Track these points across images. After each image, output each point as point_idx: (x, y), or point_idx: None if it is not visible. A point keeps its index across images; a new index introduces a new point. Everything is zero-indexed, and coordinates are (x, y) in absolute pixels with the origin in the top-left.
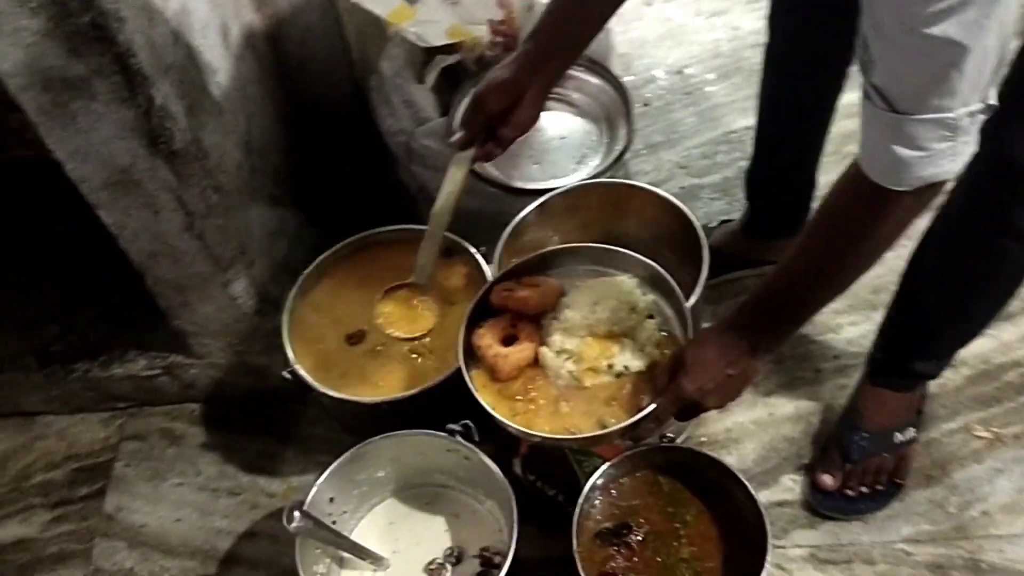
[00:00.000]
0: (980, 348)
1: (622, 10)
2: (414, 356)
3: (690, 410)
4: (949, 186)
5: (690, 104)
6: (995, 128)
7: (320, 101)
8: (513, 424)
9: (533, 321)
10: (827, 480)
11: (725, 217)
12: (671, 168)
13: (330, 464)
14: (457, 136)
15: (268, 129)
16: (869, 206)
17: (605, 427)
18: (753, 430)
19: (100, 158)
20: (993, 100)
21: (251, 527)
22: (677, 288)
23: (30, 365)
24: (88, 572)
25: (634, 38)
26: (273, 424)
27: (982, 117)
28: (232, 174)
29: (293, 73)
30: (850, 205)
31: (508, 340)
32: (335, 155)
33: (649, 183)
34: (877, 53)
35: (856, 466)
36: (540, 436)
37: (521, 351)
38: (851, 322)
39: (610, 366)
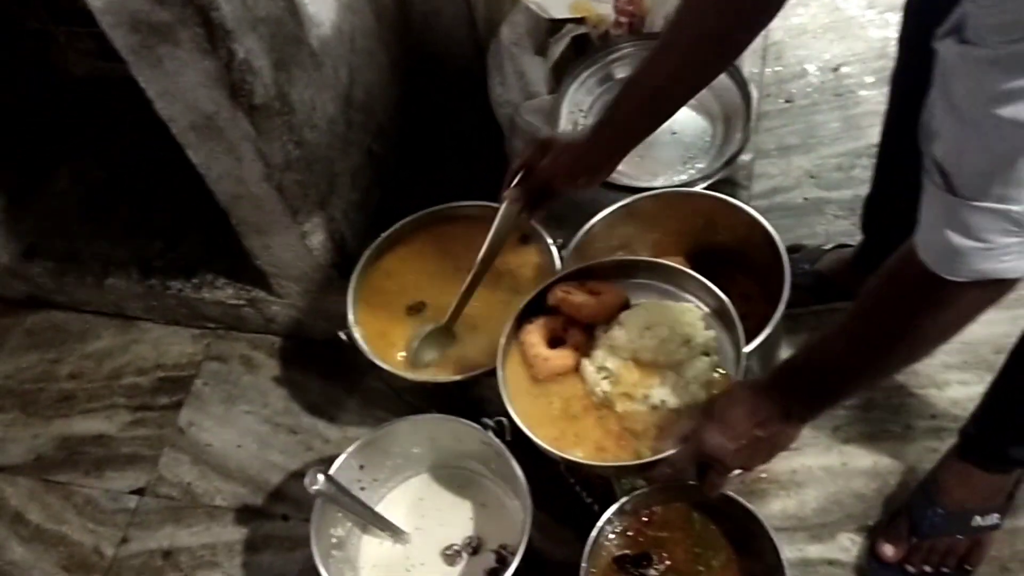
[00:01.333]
0: None
1: None
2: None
3: (712, 465)
4: None
5: (838, 107)
6: None
7: (442, 59)
8: (530, 432)
9: (585, 329)
10: (888, 551)
11: (845, 240)
12: (800, 175)
13: (387, 420)
14: (509, 193)
15: (376, 83)
16: (919, 293)
17: (618, 458)
18: (821, 477)
19: (186, 102)
20: None
21: (302, 467)
22: (740, 327)
23: (133, 274)
24: (152, 478)
25: (793, 25)
26: (343, 371)
27: None
28: (322, 129)
29: (416, 28)
30: (900, 290)
31: (556, 342)
32: (449, 116)
33: (773, 189)
34: (941, 124)
35: (924, 542)
36: (557, 455)
37: (562, 357)
38: (961, 380)
39: (646, 396)
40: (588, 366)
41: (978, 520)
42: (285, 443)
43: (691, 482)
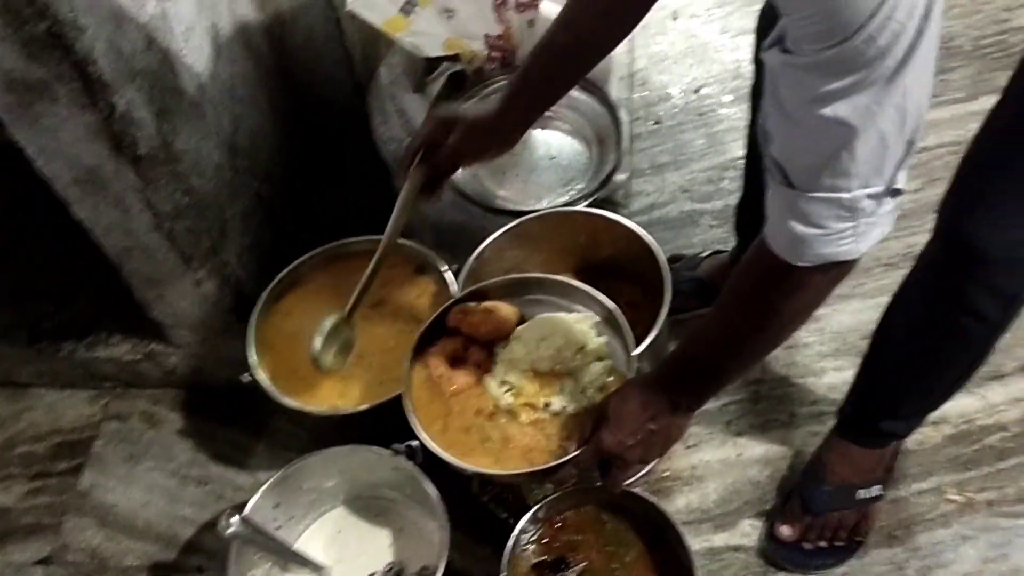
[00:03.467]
0: (965, 407)
1: (647, 22)
2: (379, 368)
3: (612, 462)
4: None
5: (702, 126)
6: (952, 207)
7: (323, 102)
8: (440, 451)
9: (484, 347)
10: (785, 531)
11: (720, 247)
12: (674, 191)
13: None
14: (415, 166)
15: (260, 129)
16: (772, 280)
17: (530, 465)
18: (719, 469)
19: (67, 158)
20: (900, 184)
21: (214, 517)
22: (628, 332)
23: (21, 339)
24: (56, 546)
25: (655, 52)
26: (248, 416)
27: (891, 200)
28: (209, 176)
29: (296, 73)
30: (755, 278)
31: (458, 362)
32: (333, 157)
33: (650, 205)
34: (774, 127)
35: (816, 519)
36: (467, 469)
37: (466, 375)
38: (836, 367)
39: (547, 404)
40: (490, 381)
41: (862, 493)
42: (194, 495)
43: (597, 484)
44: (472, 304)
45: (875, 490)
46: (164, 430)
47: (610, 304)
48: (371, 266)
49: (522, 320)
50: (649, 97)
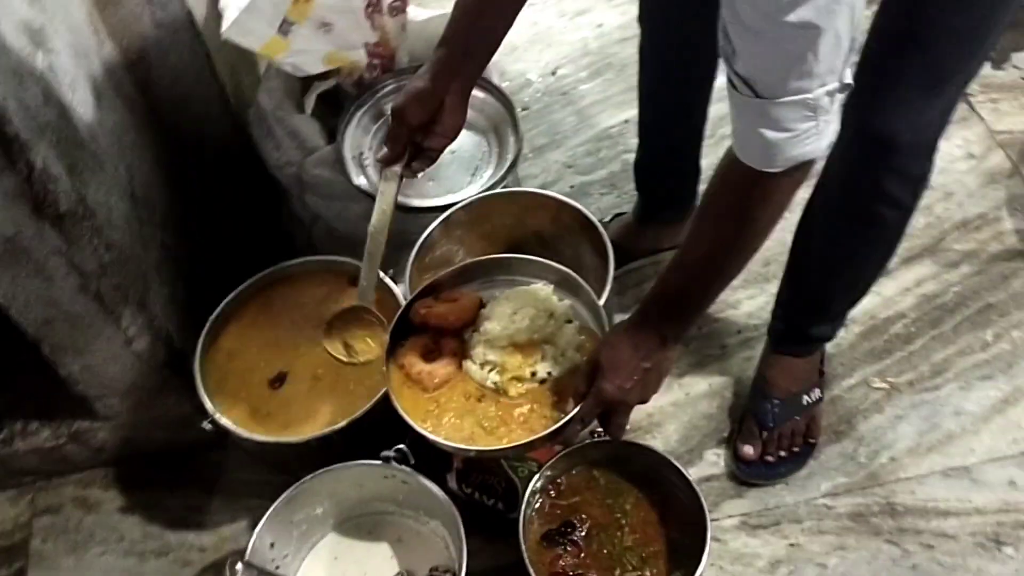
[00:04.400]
0: (867, 306)
1: None
2: (341, 387)
3: (615, 410)
4: (821, 163)
5: (567, 104)
6: (856, 104)
7: (201, 141)
8: (446, 442)
9: (455, 335)
10: (748, 450)
11: (617, 211)
12: (559, 168)
13: (262, 508)
14: (382, 153)
15: (151, 177)
16: (747, 191)
17: (533, 434)
18: (673, 412)
19: None
20: (848, 79)
21: None
22: (589, 288)
23: None
24: None
25: (504, 44)
26: (194, 476)
27: (840, 96)
28: (122, 229)
29: (168, 116)
30: (729, 192)
31: (432, 356)
32: (223, 194)
33: (540, 186)
34: (738, 43)
35: (772, 433)
36: (475, 450)
37: (445, 366)
38: (748, 296)
39: (533, 374)
40: (472, 366)
41: (806, 399)
42: (157, 568)
43: (584, 442)
44: (429, 299)
45: (815, 393)
46: (104, 511)
47: (561, 267)
48: (366, 255)
49: (481, 304)
50: (512, 86)
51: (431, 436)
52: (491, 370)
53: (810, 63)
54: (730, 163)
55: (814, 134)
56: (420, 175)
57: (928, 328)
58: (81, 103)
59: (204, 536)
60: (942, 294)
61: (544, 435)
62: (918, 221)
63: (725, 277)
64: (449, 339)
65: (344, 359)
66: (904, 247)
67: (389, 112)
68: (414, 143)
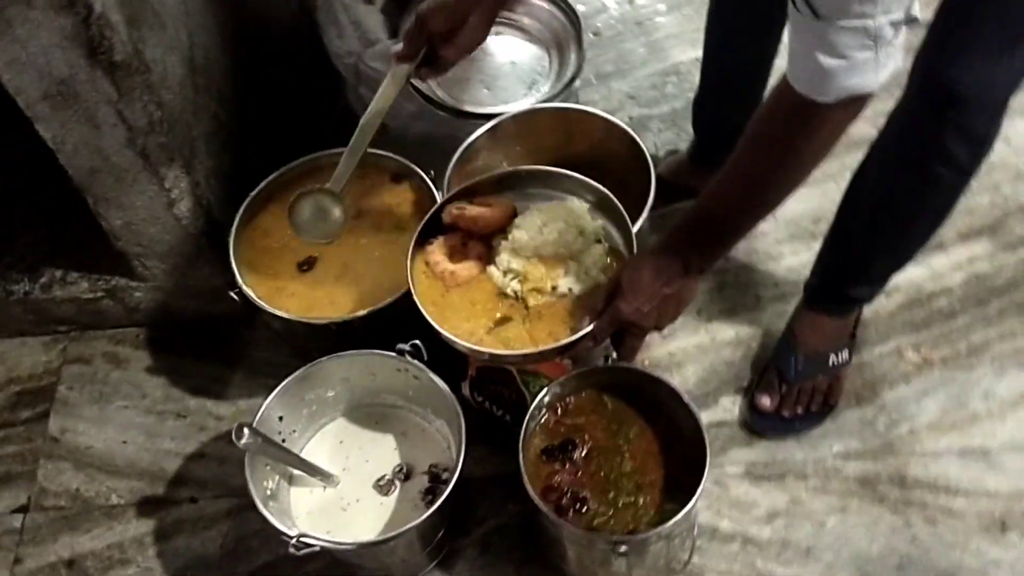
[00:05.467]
0: (912, 276)
1: None
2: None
3: (630, 331)
4: (886, 110)
5: (640, 35)
6: (925, 54)
7: (267, 20)
8: (460, 340)
9: (484, 240)
10: (765, 401)
11: (672, 148)
12: (621, 98)
13: (278, 386)
14: (395, 48)
15: (211, 48)
16: (796, 119)
17: (547, 343)
18: (695, 354)
19: (38, 68)
20: (916, 12)
21: (199, 449)
22: (625, 213)
23: None
24: (33, 492)
25: None
26: (220, 348)
27: (904, 29)
28: (176, 91)
29: None
30: (778, 119)
31: (458, 257)
32: (282, 76)
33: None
34: None
35: (792, 387)
36: (487, 352)
37: (469, 268)
38: (792, 251)
39: (554, 288)
40: (495, 270)
41: (832, 359)
42: (175, 429)
43: (595, 366)
44: (464, 201)
45: (844, 355)
46: (132, 368)
47: (601, 188)
48: (353, 140)
49: (515, 213)
50: (586, 11)
51: (443, 332)
52: (513, 278)
53: None
54: (782, 89)
55: (872, 65)
56: (446, 73)
57: (973, 307)
58: None
59: (221, 406)
60: (994, 275)
61: (554, 347)
62: (983, 199)
63: (759, 209)
64: (477, 243)
65: None
66: (963, 222)
67: (415, 10)
68: (431, 48)
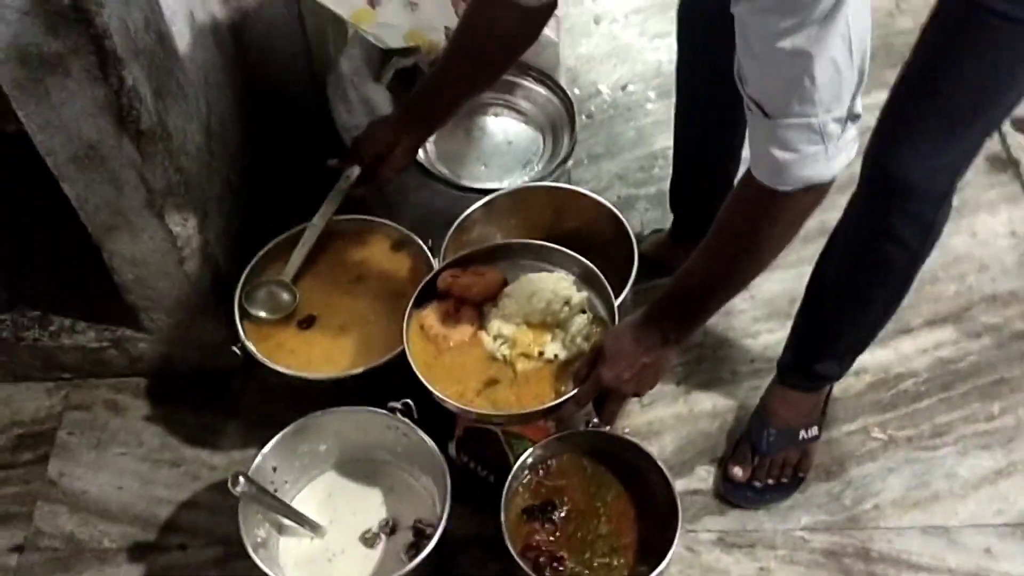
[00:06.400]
0: (880, 358)
1: (571, 26)
2: (362, 339)
3: (611, 396)
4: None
5: (631, 119)
6: (874, 146)
7: (279, 92)
8: (450, 400)
9: (475, 307)
10: (737, 472)
11: (658, 227)
12: (610, 178)
13: (272, 437)
14: (333, 161)
15: (227, 116)
16: (760, 207)
17: (533, 405)
18: (673, 424)
19: (69, 132)
20: (858, 110)
21: (192, 497)
22: (608, 285)
23: None
24: (29, 533)
25: (582, 54)
26: (217, 400)
27: (852, 125)
28: (193, 156)
29: (254, 64)
30: (742, 207)
31: (450, 321)
32: (291, 145)
33: (590, 191)
34: (748, 68)
35: (764, 459)
36: (474, 412)
37: (461, 332)
38: (768, 329)
39: (541, 353)
40: (486, 336)
41: (803, 434)
42: (169, 477)
43: (578, 430)
44: (458, 269)
45: (813, 430)
46: (130, 416)
47: (586, 261)
48: (304, 239)
49: (505, 282)
50: (581, 95)
51: (435, 391)
52: (503, 343)
53: (809, 89)
54: (747, 180)
55: (822, 158)
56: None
57: (937, 390)
58: (178, 35)
59: (216, 456)
60: (958, 360)
61: (539, 409)
62: (948, 287)
63: (731, 288)
64: (469, 309)
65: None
66: (930, 309)
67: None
68: (366, 168)
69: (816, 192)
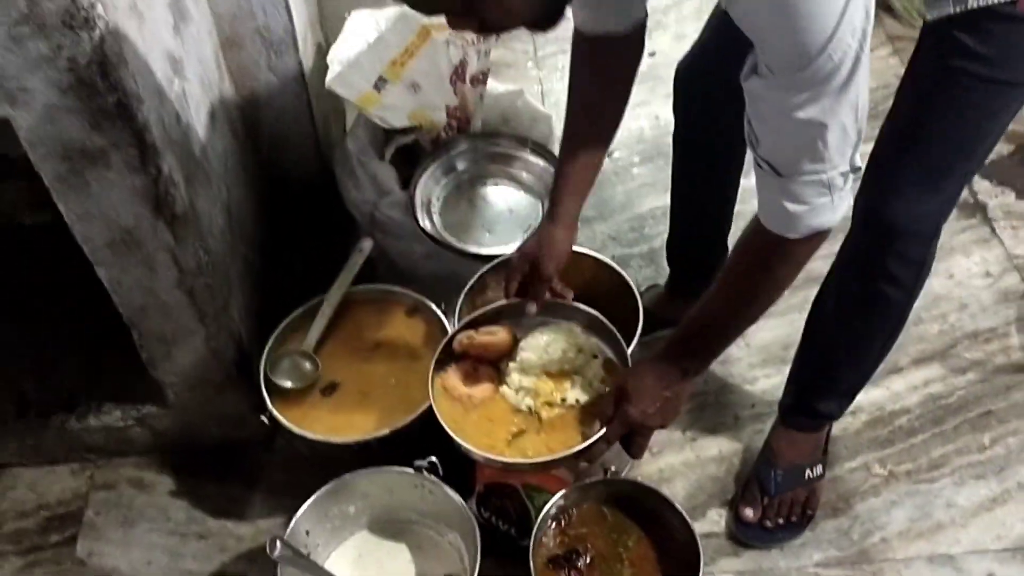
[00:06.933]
0: (875, 397)
1: (557, 101)
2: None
3: (638, 432)
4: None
5: (619, 183)
6: (865, 194)
7: (290, 173)
8: (480, 452)
9: (492, 365)
10: (748, 513)
11: (652, 282)
12: (603, 239)
13: (298, 508)
14: (506, 291)
15: (244, 199)
16: (770, 252)
17: (564, 450)
18: (682, 470)
19: (106, 220)
20: (859, 163)
21: (220, 568)
22: (613, 328)
23: (7, 414)
24: None
25: None
26: (241, 471)
27: (853, 176)
28: (218, 237)
29: (267, 148)
30: (754, 252)
31: (471, 380)
32: (303, 222)
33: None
34: (761, 133)
35: (773, 500)
36: (507, 461)
37: (484, 390)
38: (765, 375)
39: (563, 400)
40: (508, 391)
41: (808, 472)
42: (197, 549)
43: (598, 478)
44: (473, 331)
45: (818, 468)
46: (156, 493)
47: (591, 311)
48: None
49: (516, 339)
50: None
51: (467, 446)
52: (525, 395)
53: (820, 151)
54: (755, 228)
55: (829, 207)
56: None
57: (930, 425)
58: (201, 126)
59: (242, 526)
60: (947, 396)
61: (573, 452)
62: (932, 327)
63: (743, 323)
64: (487, 367)
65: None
66: (916, 349)
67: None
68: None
69: (822, 235)
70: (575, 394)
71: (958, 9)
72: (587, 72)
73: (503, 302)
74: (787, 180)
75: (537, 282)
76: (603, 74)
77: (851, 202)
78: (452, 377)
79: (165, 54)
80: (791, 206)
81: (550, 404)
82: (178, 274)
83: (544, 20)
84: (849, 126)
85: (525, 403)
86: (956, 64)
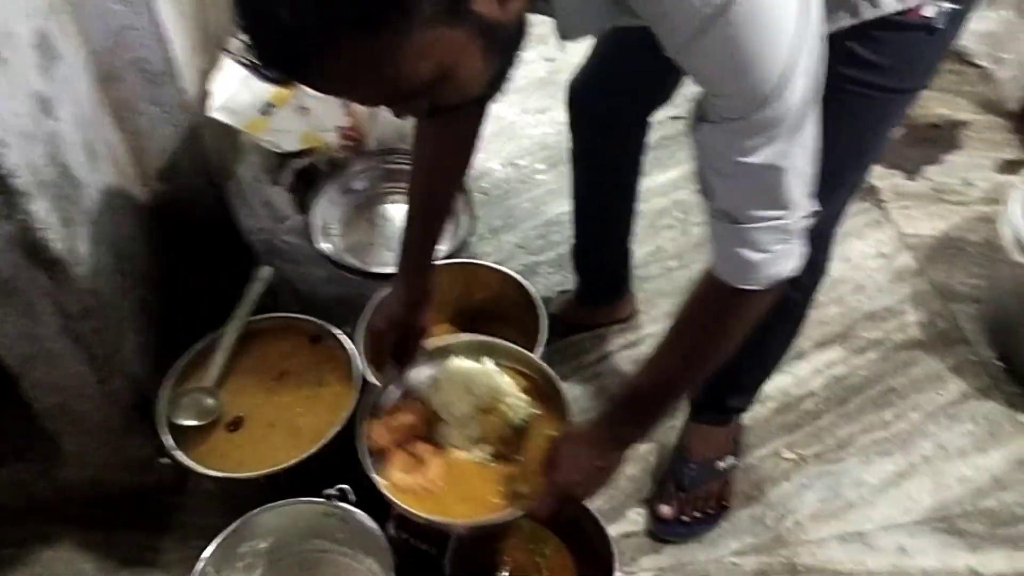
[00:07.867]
0: (781, 384)
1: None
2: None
3: (564, 500)
4: None
5: (524, 192)
6: None
7: (183, 207)
8: (432, 517)
9: (421, 439)
10: (665, 510)
11: (561, 288)
12: (511, 248)
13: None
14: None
15: (133, 236)
16: (726, 306)
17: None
18: None
19: None
20: (815, 207)
21: None
22: (502, 342)
23: None
24: None
25: None
26: (151, 517)
27: (806, 221)
28: (105, 279)
29: (155, 182)
30: (708, 308)
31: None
32: (201, 255)
33: (494, 262)
34: (716, 184)
35: (688, 494)
36: (462, 525)
37: (438, 467)
38: None
39: (519, 424)
40: (461, 454)
41: (720, 464)
42: None
43: None
44: (379, 424)
45: (730, 460)
46: (63, 547)
47: (470, 337)
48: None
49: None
50: (474, 173)
51: (422, 513)
52: (482, 444)
53: (776, 195)
54: (708, 282)
55: (787, 255)
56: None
57: (835, 406)
58: (80, 166)
59: (155, 574)
60: (849, 376)
61: (500, 523)
62: (831, 310)
63: (688, 385)
64: (419, 444)
65: None
66: (817, 332)
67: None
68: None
69: (779, 285)
70: (521, 413)
71: (854, 21)
72: (433, 137)
73: (380, 385)
74: (744, 228)
75: (413, 340)
76: (454, 135)
77: (803, 248)
78: (396, 475)
79: (32, 96)
80: (750, 254)
81: (509, 434)
82: (62, 320)
83: (492, 93)
84: (803, 167)
85: (485, 453)
86: (848, 73)
